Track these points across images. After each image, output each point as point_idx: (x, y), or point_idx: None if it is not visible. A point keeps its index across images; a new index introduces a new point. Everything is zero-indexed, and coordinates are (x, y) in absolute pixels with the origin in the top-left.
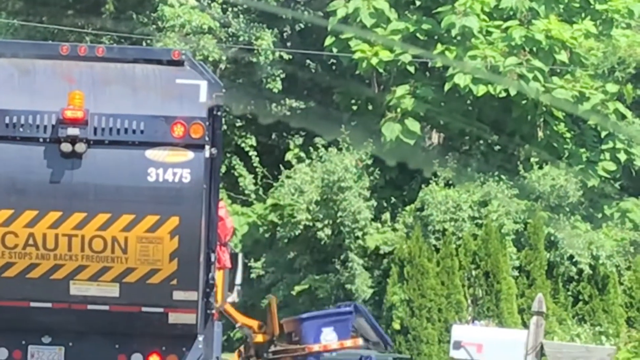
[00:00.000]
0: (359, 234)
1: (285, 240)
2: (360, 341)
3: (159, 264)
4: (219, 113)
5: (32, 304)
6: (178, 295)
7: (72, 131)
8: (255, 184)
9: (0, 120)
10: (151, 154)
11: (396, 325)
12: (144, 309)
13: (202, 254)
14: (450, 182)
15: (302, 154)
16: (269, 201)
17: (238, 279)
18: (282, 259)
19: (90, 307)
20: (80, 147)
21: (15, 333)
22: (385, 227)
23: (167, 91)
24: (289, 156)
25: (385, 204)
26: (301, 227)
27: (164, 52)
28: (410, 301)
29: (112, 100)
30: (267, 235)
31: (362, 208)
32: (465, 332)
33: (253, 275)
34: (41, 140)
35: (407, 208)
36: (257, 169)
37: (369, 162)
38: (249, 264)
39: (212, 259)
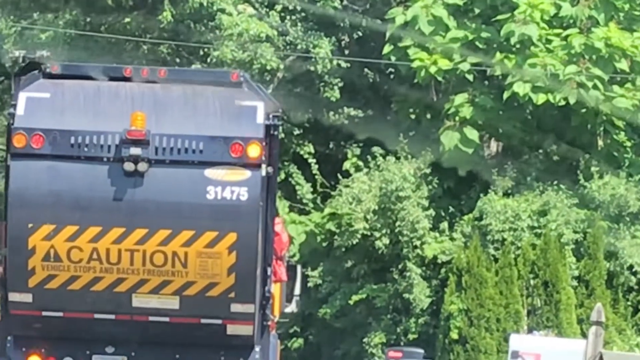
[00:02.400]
0: (417, 243)
1: (343, 250)
2: None
3: (217, 277)
4: (275, 133)
5: (96, 316)
6: (236, 307)
7: (135, 151)
8: (313, 192)
9: (66, 140)
10: (210, 172)
11: (454, 335)
12: (203, 320)
13: (259, 268)
14: (509, 191)
15: (360, 163)
16: (327, 210)
17: (297, 290)
18: (340, 268)
19: (151, 318)
20: (142, 166)
21: (80, 343)
22: (443, 237)
23: (226, 112)
24: (346, 165)
25: (443, 214)
26: (359, 236)
27: (222, 74)
28: (469, 311)
29: (172, 120)
30: (324, 244)
31: (421, 217)
32: (523, 342)
33: (310, 285)
34: (105, 159)
35: (465, 217)
36: (316, 177)
37: (427, 171)
38: (306, 273)
39: (269, 273)
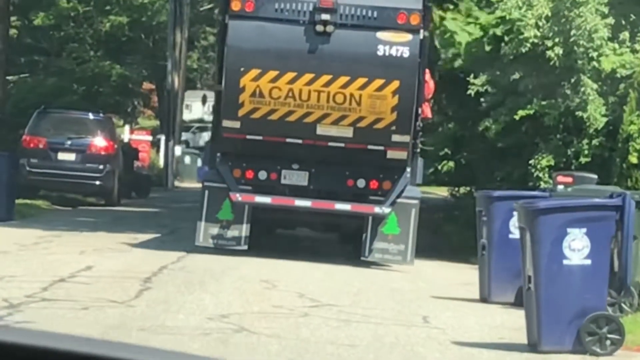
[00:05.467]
0: (594, 54)
1: (511, 57)
2: None
3: (383, 114)
4: (429, 4)
5: (288, 140)
6: (395, 138)
7: (325, 16)
8: None
9: (272, 5)
10: (381, 35)
11: (633, 159)
12: (369, 146)
13: (414, 108)
14: None
15: None
16: (497, 13)
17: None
18: (505, 79)
19: (330, 144)
20: (329, 28)
21: (274, 160)
22: (623, 48)
23: None
24: None
25: (624, 22)
26: (529, 44)
27: None
28: None
29: None
30: (490, 50)
31: (599, 26)
32: None
33: (470, 92)
34: (301, 22)
35: None
36: None
37: None
38: (467, 79)
39: (419, 112)
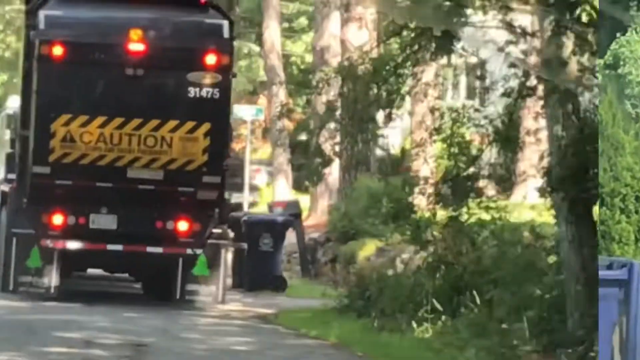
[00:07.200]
0: None
1: None
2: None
3: (194, 156)
4: (234, 42)
5: (98, 184)
6: (206, 179)
7: (134, 59)
8: None
9: (81, 50)
10: (191, 76)
11: None
12: (180, 188)
13: (224, 150)
14: None
15: None
16: None
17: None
18: None
19: (140, 187)
20: (139, 71)
21: (82, 205)
22: None
23: (201, 29)
24: None
25: None
26: None
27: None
28: (600, 186)
29: (161, 36)
30: None
31: None
32: None
33: None
34: (111, 65)
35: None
36: None
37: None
38: None
39: (228, 153)
